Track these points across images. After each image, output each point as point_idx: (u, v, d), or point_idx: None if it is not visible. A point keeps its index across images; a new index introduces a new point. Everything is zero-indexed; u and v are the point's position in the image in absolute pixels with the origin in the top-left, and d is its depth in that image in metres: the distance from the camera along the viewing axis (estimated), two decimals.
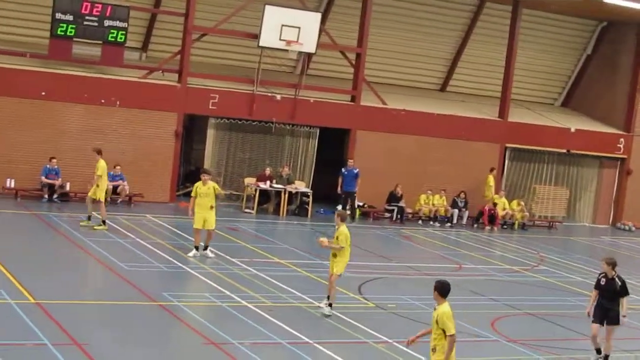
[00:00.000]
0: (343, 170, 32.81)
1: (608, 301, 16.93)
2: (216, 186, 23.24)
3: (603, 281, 17.05)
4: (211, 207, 22.92)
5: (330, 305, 18.49)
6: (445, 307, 12.49)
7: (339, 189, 32.88)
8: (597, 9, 37.66)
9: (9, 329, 15.16)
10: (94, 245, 22.84)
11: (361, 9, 34.72)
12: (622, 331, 19.76)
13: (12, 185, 29.27)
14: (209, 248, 23.19)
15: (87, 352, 14.36)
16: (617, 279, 16.90)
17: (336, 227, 18.70)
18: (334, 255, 18.74)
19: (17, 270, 19.21)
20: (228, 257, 23.22)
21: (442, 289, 12.58)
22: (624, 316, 16.90)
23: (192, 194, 23.09)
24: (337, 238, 18.58)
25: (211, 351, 15.39)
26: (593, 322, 17.04)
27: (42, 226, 25.22)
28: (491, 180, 36.42)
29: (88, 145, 30.37)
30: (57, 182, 29.41)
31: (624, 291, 16.89)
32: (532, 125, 38.50)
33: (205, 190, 22.93)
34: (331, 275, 18.70)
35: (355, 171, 32.55)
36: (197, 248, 23.08)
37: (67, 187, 29.89)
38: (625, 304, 16.89)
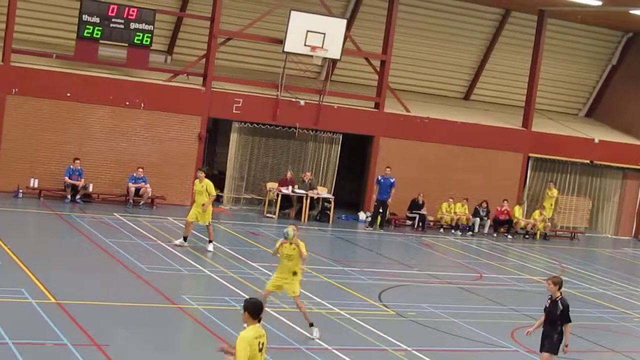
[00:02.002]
0: (379, 177, 32.70)
1: (547, 326, 15.03)
2: (209, 185, 23.86)
3: (547, 303, 15.15)
4: (202, 205, 23.69)
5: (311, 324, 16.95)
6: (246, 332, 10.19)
7: (373, 196, 32.89)
8: (623, 19, 37.61)
9: (30, 329, 15.24)
10: (115, 246, 22.93)
11: (386, 16, 34.74)
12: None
13: (36, 185, 29.42)
14: (212, 242, 24.00)
15: (107, 353, 14.41)
16: (559, 302, 14.90)
17: (293, 238, 16.77)
18: (294, 273, 16.93)
19: (39, 270, 19.32)
20: (249, 261, 23.26)
21: (254, 309, 10.32)
22: (566, 345, 14.87)
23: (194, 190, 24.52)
24: (294, 248, 16.90)
25: None
26: (540, 350, 15.27)
27: (64, 227, 25.34)
28: (554, 192, 36.76)
29: (112, 147, 30.60)
30: (80, 183, 29.53)
31: (564, 317, 14.88)
32: (556, 135, 38.41)
33: (199, 188, 23.89)
34: (296, 297, 16.99)
35: (392, 180, 32.36)
36: (185, 238, 24.08)
37: (90, 188, 30.03)
38: (567, 331, 14.91)
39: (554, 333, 14.98)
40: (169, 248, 23.64)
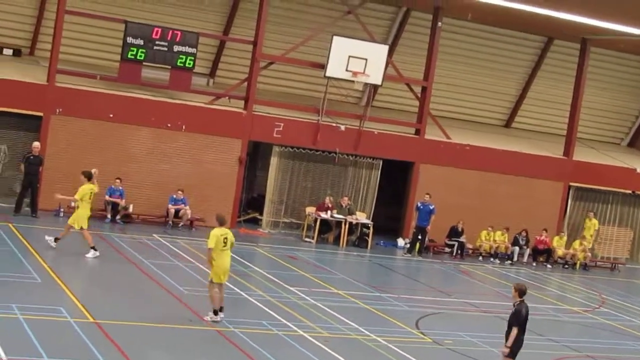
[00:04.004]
0: (418, 204, 32.57)
1: (507, 330, 16.04)
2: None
3: None
4: (77, 207, 23.49)
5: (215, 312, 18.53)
6: None
7: (412, 222, 32.82)
8: None
9: (68, 347, 15.31)
10: (155, 267, 23.03)
11: (428, 43, 34.74)
12: None
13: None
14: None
15: None
16: (515, 307, 15.95)
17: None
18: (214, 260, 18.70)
19: (78, 289, 19.45)
20: (286, 285, 23.25)
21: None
22: (506, 346, 15.87)
23: (85, 198, 23.46)
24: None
25: None
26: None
27: (104, 247, 25.45)
28: (594, 224, 36.55)
29: (153, 168, 30.79)
30: (122, 203, 29.68)
31: (511, 319, 15.86)
32: (597, 164, 38.13)
33: (96, 189, 23.86)
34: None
35: (431, 207, 32.22)
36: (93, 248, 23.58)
37: (131, 209, 30.19)
38: (511, 334, 15.79)
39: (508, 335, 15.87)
40: (207, 270, 23.62)
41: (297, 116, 33.17)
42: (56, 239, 23.63)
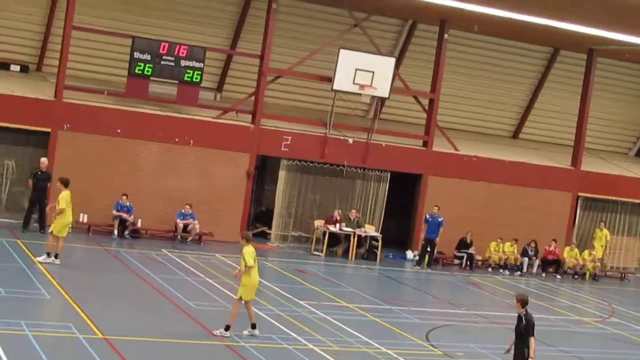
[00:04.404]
0: (427, 216, 32.58)
1: (517, 341, 16.08)
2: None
3: (517, 321, 16.16)
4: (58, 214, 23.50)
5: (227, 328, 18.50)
6: None
7: (421, 235, 32.79)
8: None
9: None
10: (163, 282, 23.01)
11: (435, 55, 34.75)
12: None
13: (85, 220, 29.63)
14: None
15: None
16: (523, 318, 15.88)
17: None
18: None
19: (87, 304, 19.41)
20: (295, 299, 23.21)
21: None
22: (531, 358, 15.83)
23: (68, 205, 23.52)
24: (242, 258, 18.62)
25: None
26: None
27: (112, 262, 25.48)
28: (606, 235, 36.46)
29: (161, 183, 30.78)
30: (130, 218, 29.68)
31: (527, 331, 15.82)
32: (606, 174, 38.06)
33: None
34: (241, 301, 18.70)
35: (440, 219, 32.21)
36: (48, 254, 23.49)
37: (139, 224, 30.20)
38: (531, 345, 15.83)
39: (523, 347, 15.88)
40: (216, 285, 23.67)
41: (305, 129, 33.18)
42: (56, 256, 23.56)
